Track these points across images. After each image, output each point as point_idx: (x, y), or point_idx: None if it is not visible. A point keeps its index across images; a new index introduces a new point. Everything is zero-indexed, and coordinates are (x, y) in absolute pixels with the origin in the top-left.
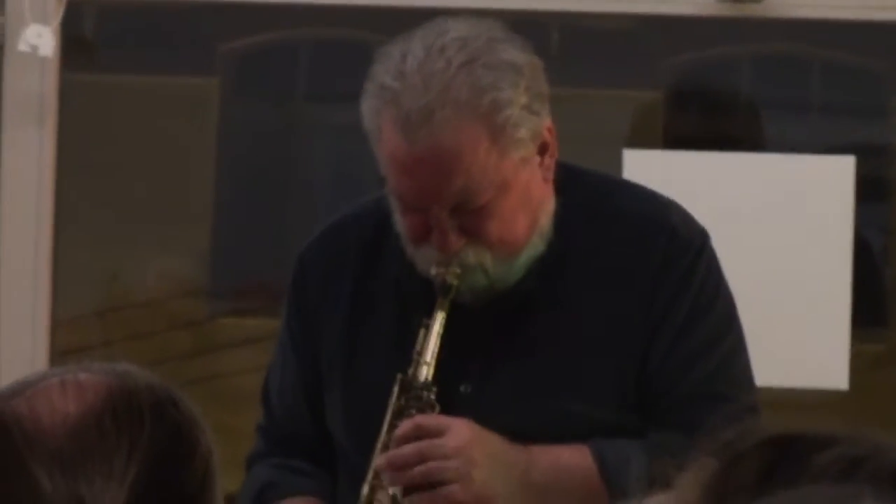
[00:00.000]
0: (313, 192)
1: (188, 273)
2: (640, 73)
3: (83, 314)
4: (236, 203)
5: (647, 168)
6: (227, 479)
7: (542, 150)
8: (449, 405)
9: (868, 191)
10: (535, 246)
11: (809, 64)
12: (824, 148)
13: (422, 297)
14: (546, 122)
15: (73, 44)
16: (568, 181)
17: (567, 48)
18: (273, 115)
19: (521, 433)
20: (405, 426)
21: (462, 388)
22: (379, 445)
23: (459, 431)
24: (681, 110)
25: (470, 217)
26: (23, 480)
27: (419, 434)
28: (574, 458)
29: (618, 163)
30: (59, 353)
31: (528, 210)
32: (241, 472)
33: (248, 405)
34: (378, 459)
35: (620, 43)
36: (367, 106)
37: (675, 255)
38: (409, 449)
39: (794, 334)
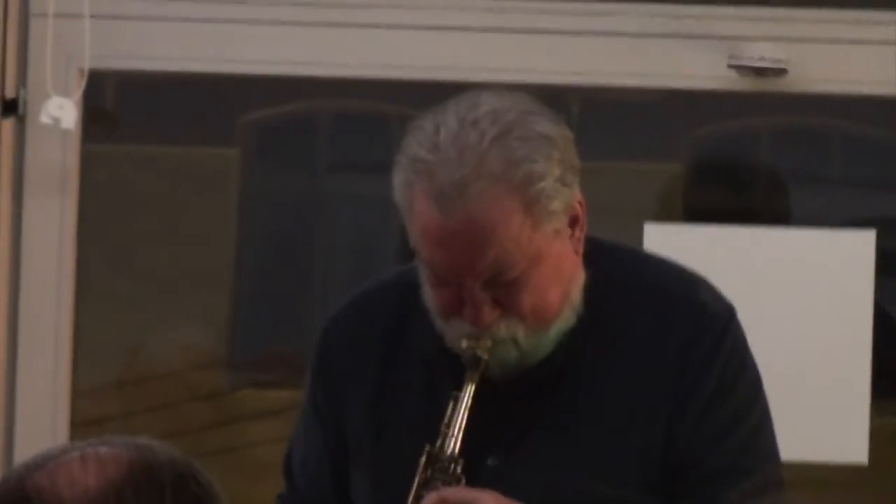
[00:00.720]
0: (334, 262)
1: (208, 344)
2: (660, 147)
3: (103, 385)
4: (257, 274)
5: (667, 241)
6: None
7: (573, 222)
8: (475, 478)
9: (889, 264)
10: (567, 319)
11: (830, 137)
12: (845, 221)
13: (450, 371)
14: (577, 194)
15: (95, 115)
16: (596, 255)
17: (587, 121)
18: (293, 186)
19: None
20: (430, 498)
21: (489, 462)
22: None
23: (488, 502)
24: (702, 183)
25: (503, 289)
26: None
27: None
28: None
29: (639, 236)
30: (80, 424)
31: (560, 282)
32: None
33: (268, 476)
34: None
35: (641, 116)
36: (399, 178)
37: (702, 332)
38: None
39: (814, 409)
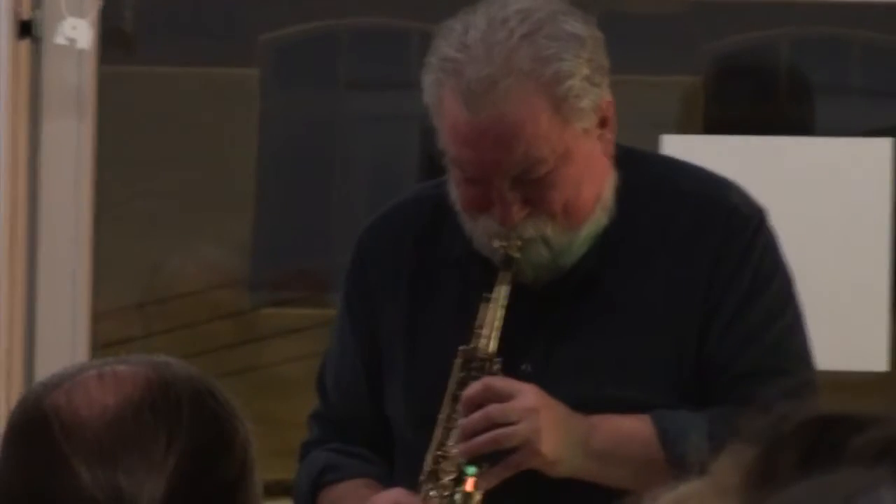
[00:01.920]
0: (354, 181)
1: (229, 263)
2: (680, 58)
3: (124, 306)
4: (277, 193)
5: (685, 152)
6: (270, 468)
7: (603, 123)
8: None
9: None
10: (598, 219)
11: (850, 46)
12: (865, 130)
13: (483, 274)
14: (606, 95)
15: (111, 36)
16: (627, 161)
17: (606, 33)
18: (313, 105)
19: (581, 411)
20: (474, 387)
21: (523, 367)
22: (442, 416)
23: (528, 394)
24: (721, 95)
25: (532, 187)
26: (62, 472)
27: (488, 395)
28: (635, 426)
29: (657, 148)
30: (100, 345)
31: (590, 181)
32: (284, 460)
33: (290, 394)
34: (441, 429)
35: (660, 27)
36: (429, 78)
37: (735, 233)
38: (477, 416)
39: (834, 317)
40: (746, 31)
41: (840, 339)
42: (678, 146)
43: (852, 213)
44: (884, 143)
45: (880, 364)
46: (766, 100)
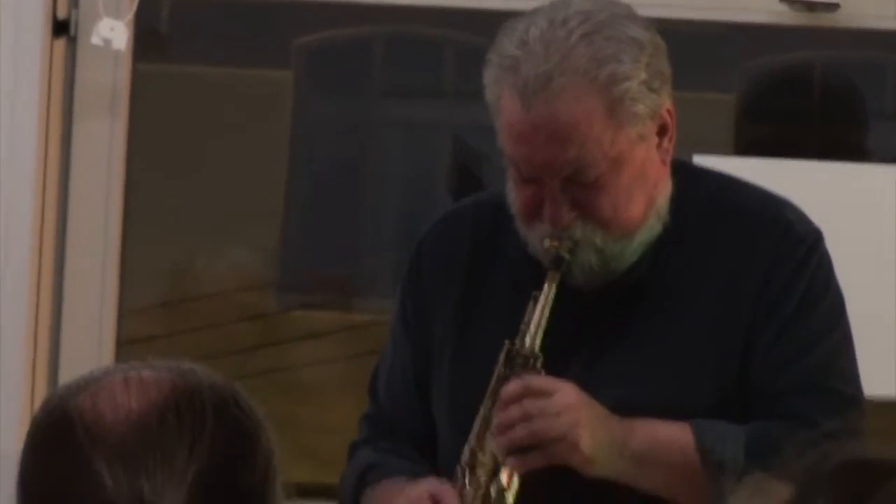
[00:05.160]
0: (385, 187)
1: (257, 266)
2: (712, 78)
3: (151, 305)
4: (307, 197)
5: None
6: (295, 469)
7: (662, 131)
8: None
9: None
10: (652, 227)
11: (883, 71)
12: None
13: (536, 276)
14: (666, 103)
15: (146, 36)
16: (683, 174)
17: None
18: (346, 110)
19: (622, 416)
20: (513, 385)
21: (571, 370)
22: (482, 410)
23: (567, 391)
24: (753, 115)
25: (583, 190)
26: (84, 475)
27: (527, 394)
28: (673, 433)
29: None
30: (126, 343)
31: (643, 189)
32: (308, 462)
33: (314, 397)
34: (479, 423)
35: (693, 46)
36: (488, 76)
37: (789, 249)
38: (515, 410)
39: (866, 341)
40: (778, 53)
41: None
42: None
43: (872, 238)
44: None
45: (889, 390)
46: (798, 122)
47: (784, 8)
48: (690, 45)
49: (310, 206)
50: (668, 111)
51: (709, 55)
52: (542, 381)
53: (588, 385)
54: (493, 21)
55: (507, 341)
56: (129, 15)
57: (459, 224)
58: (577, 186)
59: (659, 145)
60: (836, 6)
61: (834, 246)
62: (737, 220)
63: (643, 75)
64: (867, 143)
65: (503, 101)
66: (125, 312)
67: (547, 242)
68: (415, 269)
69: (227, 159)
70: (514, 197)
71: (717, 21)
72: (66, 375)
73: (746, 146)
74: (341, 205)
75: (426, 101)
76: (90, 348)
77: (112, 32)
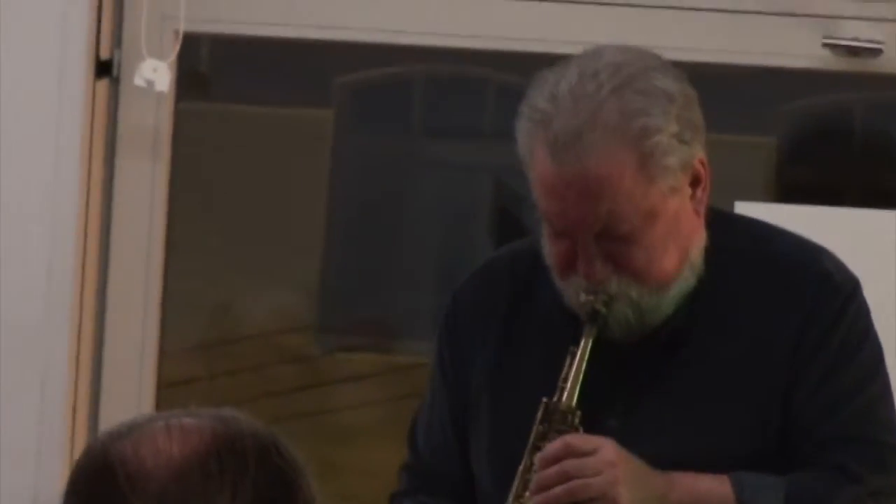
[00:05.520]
0: (424, 228)
1: (298, 307)
2: (752, 121)
3: (191, 346)
4: (348, 238)
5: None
6: None
7: (694, 182)
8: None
9: None
10: (687, 280)
11: None
12: None
13: (572, 329)
14: (699, 154)
15: (188, 76)
16: (719, 223)
17: None
18: (386, 150)
19: (662, 468)
20: (555, 444)
21: (609, 423)
22: (521, 468)
23: (607, 449)
24: (794, 159)
25: (616, 244)
26: None
27: (567, 453)
28: (712, 486)
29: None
30: (166, 386)
31: (677, 241)
32: None
33: (354, 441)
34: (519, 480)
35: (734, 89)
36: (520, 128)
37: (826, 300)
38: (554, 470)
39: None
40: (819, 95)
41: None
42: (750, 214)
43: None
44: None
45: None
46: (839, 166)
47: (826, 53)
48: (731, 89)
49: (350, 246)
50: (702, 162)
51: (749, 98)
52: (581, 439)
53: (626, 438)
54: (535, 62)
55: (544, 399)
56: (172, 56)
57: (496, 274)
58: (610, 241)
59: (692, 196)
60: (879, 51)
61: (872, 294)
62: (773, 270)
63: (674, 128)
64: None
65: (535, 156)
66: (166, 354)
67: (583, 297)
68: (451, 320)
69: (267, 199)
70: (549, 250)
71: (758, 66)
72: (107, 417)
73: (787, 191)
74: (381, 246)
75: (466, 142)
76: (131, 390)
77: (155, 73)
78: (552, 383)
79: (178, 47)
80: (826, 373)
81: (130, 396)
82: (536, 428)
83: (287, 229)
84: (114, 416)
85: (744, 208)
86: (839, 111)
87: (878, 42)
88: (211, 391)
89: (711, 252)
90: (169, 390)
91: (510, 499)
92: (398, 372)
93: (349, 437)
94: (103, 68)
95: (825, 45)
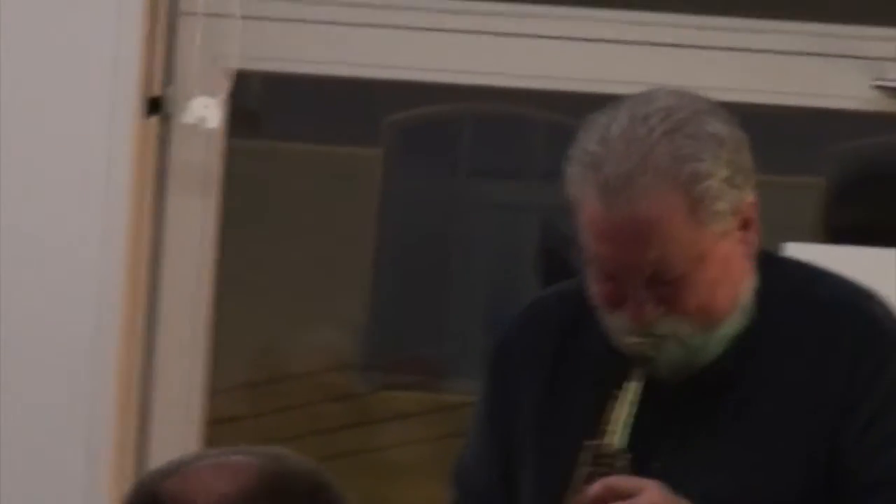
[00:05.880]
0: (471, 267)
1: (344, 345)
2: (801, 162)
3: (239, 384)
4: (395, 276)
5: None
6: None
7: (745, 225)
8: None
9: None
10: (736, 321)
11: None
12: None
13: (620, 369)
14: (749, 197)
15: (238, 113)
16: (768, 264)
17: None
18: (434, 189)
19: None
20: (596, 486)
21: (654, 464)
22: None
23: (651, 492)
24: (843, 200)
25: (666, 288)
26: None
27: (610, 494)
28: None
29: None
30: (213, 423)
31: (727, 284)
32: None
33: (401, 479)
34: None
35: (783, 129)
36: (570, 172)
37: (873, 345)
38: None
39: None
40: (869, 136)
41: None
42: (799, 255)
43: None
44: None
45: None
46: (889, 207)
47: (876, 94)
48: (780, 129)
49: (397, 284)
50: (752, 204)
51: (799, 139)
52: (625, 481)
53: (672, 478)
54: (584, 102)
55: (589, 441)
56: (224, 94)
57: (542, 316)
58: (660, 284)
59: (742, 239)
60: None
61: None
62: (821, 314)
63: (724, 172)
64: None
65: (585, 199)
66: (213, 392)
67: (631, 340)
68: (497, 360)
69: (316, 237)
70: (596, 291)
71: (807, 107)
72: (155, 455)
73: (835, 232)
74: (428, 284)
75: (515, 181)
76: (179, 428)
77: (206, 110)
78: (597, 421)
79: (229, 85)
80: (872, 418)
81: (178, 434)
82: (582, 470)
83: (334, 268)
84: (162, 454)
85: (793, 249)
86: (888, 152)
87: None
88: (257, 430)
89: (761, 294)
90: (216, 428)
91: None
92: (444, 411)
93: (395, 475)
94: (154, 106)
95: (874, 86)
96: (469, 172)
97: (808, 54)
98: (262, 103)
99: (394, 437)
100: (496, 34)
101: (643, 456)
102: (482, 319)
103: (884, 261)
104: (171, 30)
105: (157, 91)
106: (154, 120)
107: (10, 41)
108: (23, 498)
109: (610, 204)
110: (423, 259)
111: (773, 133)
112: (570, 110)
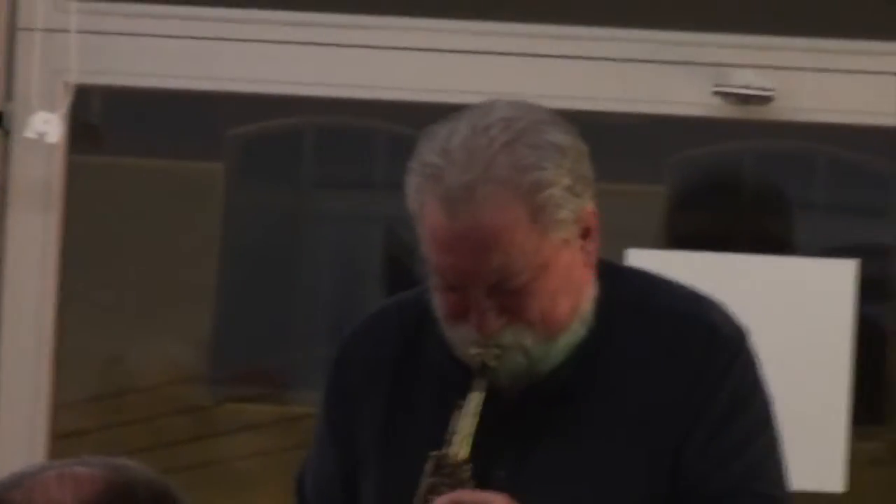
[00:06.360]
0: (317, 278)
1: (190, 358)
2: (643, 169)
3: (84, 398)
4: (240, 288)
5: (649, 267)
6: None
7: (585, 234)
8: (483, 490)
9: (868, 291)
10: (576, 331)
11: (815, 162)
12: (828, 247)
13: (462, 380)
14: (589, 206)
15: (80, 128)
16: (608, 274)
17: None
18: (278, 201)
19: None
20: (443, 499)
21: (498, 473)
22: None
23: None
24: (684, 207)
25: (510, 296)
26: None
27: None
28: None
29: (620, 261)
30: (59, 436)
31: (569, 292)
32: None
33: (247, 490)
34: None
35: (623, 138)
36: (411, 183)
37: (715, 352)
38: None
39: (791, 437)
40: (710, 144)
41: (797, 460)
42: (643, 261)
43: (813, 330)
44: (848, 265)
45: (836, 485)
46: (730, 213)
47: (718, 101)
48: (621, 137)
49: (241, 297)
50: (592, 213)
51: (640, 146)
52: (471, 495)
53: (516, 488)
54: (424, 112)
55: (433, 452)
56: (64, 108)
57: (383, 326)
58: (503, 293)
59: (583, 248)
60: (769, 99)
61: (763, 339)
62: (661, 323)
63: (566, 181)
64: (797, 236)
65: (426, 210)
66: (58, 406)
67: (473, 350)
68: (337, 372)
69: (159, 251)
70: (439, 302)
71: (649, 114)
72: (1, 469)
73: (677, 238)
74: (273, 296)
75: (357, 192)
76: (23, 442)
77: (46, 125)
78: (440, 432)
79: (69, 100)
80: (715, 427)
81: (23, 448)
82: (426, 481)
83: (178, 282)
84: (6, 468)
85: (635, 255)
86: (729, 159)
87: (769, 90)
88: (103, 443)
89: (601, 304)
90: (62, 441)
91: None
92: (291, 422)
93: (240, 486)
94: None
95: (716, 92)
96: (312, 184)
97: (649, 61)
98: (103, 118)
99: (240, 448)
100: (337, 45)
101: (487, 465)
102: (326, 331)
103: (724, 265)
104: (10, 45)
105: None
106: None
107: None
108: None
109: (452, 214)
110: (267, 271)
111: (616, 141)
112: (411, 121)
